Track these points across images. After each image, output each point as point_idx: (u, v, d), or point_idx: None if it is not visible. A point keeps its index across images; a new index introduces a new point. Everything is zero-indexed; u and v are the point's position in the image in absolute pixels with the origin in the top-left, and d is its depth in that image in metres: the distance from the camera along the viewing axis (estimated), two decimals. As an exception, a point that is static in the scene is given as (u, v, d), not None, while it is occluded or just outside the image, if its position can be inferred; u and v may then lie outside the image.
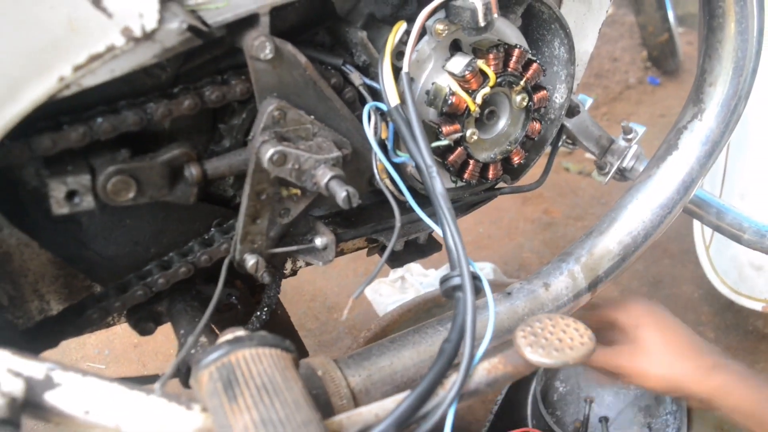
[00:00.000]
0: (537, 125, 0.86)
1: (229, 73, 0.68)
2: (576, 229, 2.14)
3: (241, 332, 0.58)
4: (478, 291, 0.65)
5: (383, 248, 1.14)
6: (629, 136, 1.27)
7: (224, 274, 0.68)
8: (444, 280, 0.66)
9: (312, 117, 0.68)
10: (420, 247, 1.15)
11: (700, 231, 1.56)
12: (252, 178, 0.65)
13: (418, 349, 0.81)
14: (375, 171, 0.70)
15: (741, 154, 1.39)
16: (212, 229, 0.77)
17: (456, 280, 0.64)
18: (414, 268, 1.92)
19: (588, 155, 2.56)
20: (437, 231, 0.68)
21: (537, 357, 0.61)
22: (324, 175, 0.64)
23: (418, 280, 1.88)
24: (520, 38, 0.82)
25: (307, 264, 1.07)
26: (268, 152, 0.63)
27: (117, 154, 0.65)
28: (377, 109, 0.71)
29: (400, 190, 0.73)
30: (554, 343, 0.62)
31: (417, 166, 0.69)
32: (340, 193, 0.62)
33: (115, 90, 0.64)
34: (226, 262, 0.70)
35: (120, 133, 0.64)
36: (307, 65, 0.65)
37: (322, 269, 1.95)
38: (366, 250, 1.10)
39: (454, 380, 0.59)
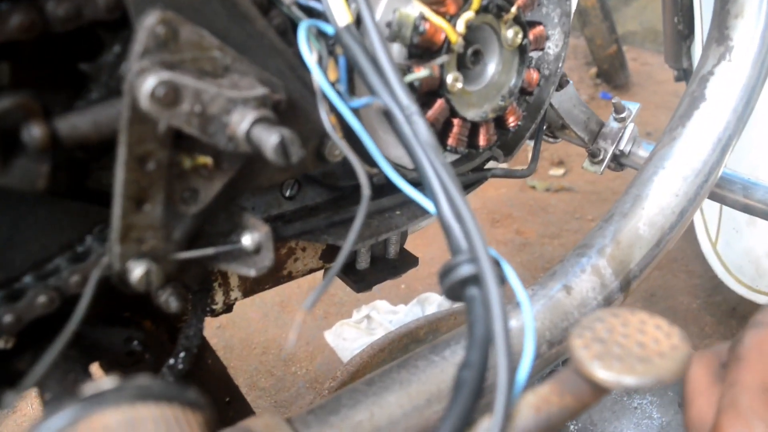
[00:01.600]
0: (535, 74, 0.66)
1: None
2: (553, 248, 1.94)
3: (108, 383, 0.33)
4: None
5: (344, 268, 0.91)
6: (622, 115, 1.09)
7: (91, 291, 0.42)
8: (446, 272, 0.42)
9: (221, 43, 0.44)
10: (391, 264, 0.91)
11: (702, 227, 1.37)
12: (129, 133, 0.41)
13: (408, 390, 0.56)
14: (325, 121, 0.46)
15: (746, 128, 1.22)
16: (88, 237, 0.51)
17: (466, 269, 0.41)
18: (380, 305, 1.67)
19: (552, 171, 2.41)
20: (427, 205, 0.45)
21: (614, 375, 0.37)
22: (243, 119, 0.40)
23: (387, 318, 1.62)
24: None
25: (245, 295, 0.82)
26: (149, 83, 0.39)
27: None
28: (319, 32, 0.48)
29: (368, 159, 0.50)
30: (633, 350, 0.39)
31: (388, 112, 0.46)
32: (270, 139, 0.39)
33: None
34: (94, 274, 0.44)
35: None
36: (207, -44, 0.42)
37: (274, 316, 1.67)
38: (322, 272, 0.86)
39: (486, 428, 0.34)
